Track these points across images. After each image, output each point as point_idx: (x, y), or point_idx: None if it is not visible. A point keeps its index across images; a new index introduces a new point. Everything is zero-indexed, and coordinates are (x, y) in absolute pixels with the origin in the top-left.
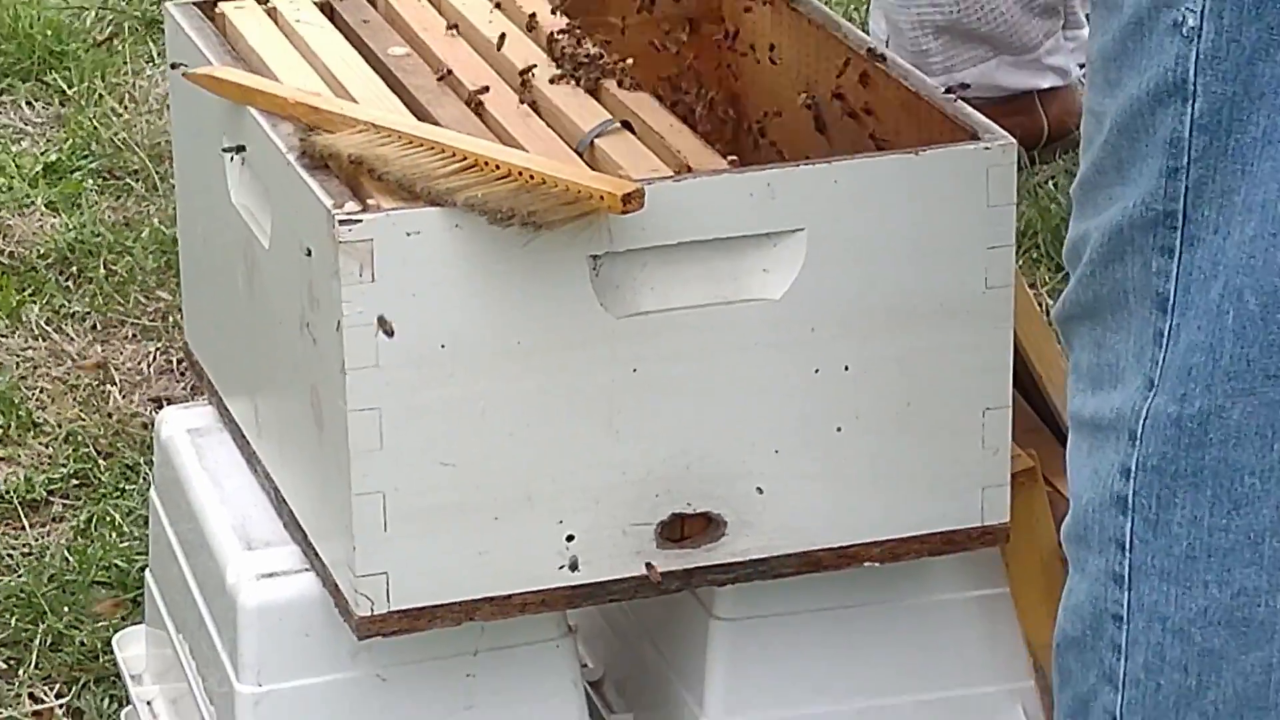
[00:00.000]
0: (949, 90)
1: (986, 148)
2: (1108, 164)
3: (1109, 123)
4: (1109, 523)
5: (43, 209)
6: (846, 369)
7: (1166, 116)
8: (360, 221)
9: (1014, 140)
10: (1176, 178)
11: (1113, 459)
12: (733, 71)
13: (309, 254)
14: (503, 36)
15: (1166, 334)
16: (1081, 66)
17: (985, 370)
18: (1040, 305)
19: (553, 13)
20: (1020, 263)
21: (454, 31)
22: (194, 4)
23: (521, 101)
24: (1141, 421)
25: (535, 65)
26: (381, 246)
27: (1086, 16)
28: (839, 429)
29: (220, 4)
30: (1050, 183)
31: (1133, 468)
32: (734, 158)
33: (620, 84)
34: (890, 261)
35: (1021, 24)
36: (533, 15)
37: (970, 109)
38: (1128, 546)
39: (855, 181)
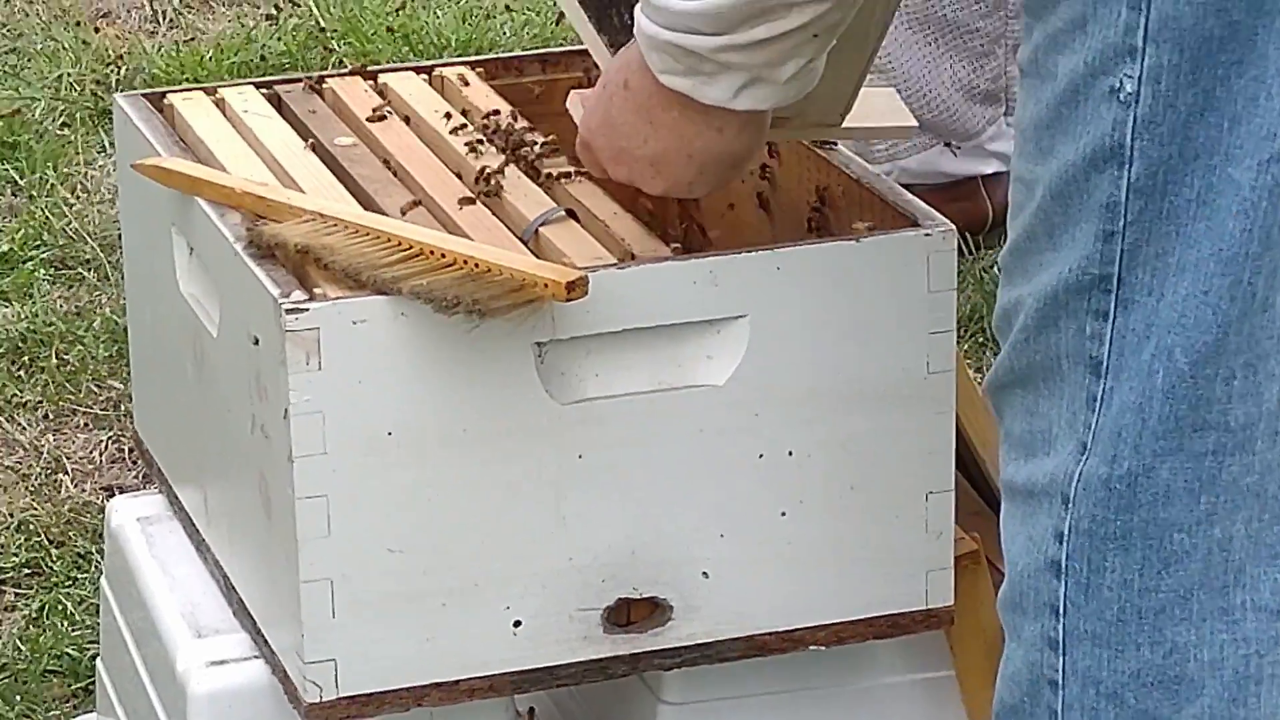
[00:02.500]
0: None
1: (927, 234)
2: (1039, 230)
3: (1040, 189)
4: (1043, 588)
5: None
6: (790, 454)
7: (1102, 181)
8: (307, 310)
9: (954, 227)
10: (1112, 241)
11: (1046, 524)
12: None
13: (256, 343)
14: (450, 127)
15: (1100, 397)
16: None
17: (928, 454)
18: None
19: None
20: (966, 347)
21: (400, 120)
22: (143, 95)
23: (468, 191)
24: (1074, 485)
25: (499, 166)
26: (328, 335)
27: None
28: (783, 513)
29: (169, 95)
30: (995, 268)
31: (1065, 531)
32: (677, 245)
33: (565, 173)
34: (833, 347)
35: (963, 111)
36: (478, 107)
37: (912, 195)
38: (1061, 611)
39: (797, 268)
